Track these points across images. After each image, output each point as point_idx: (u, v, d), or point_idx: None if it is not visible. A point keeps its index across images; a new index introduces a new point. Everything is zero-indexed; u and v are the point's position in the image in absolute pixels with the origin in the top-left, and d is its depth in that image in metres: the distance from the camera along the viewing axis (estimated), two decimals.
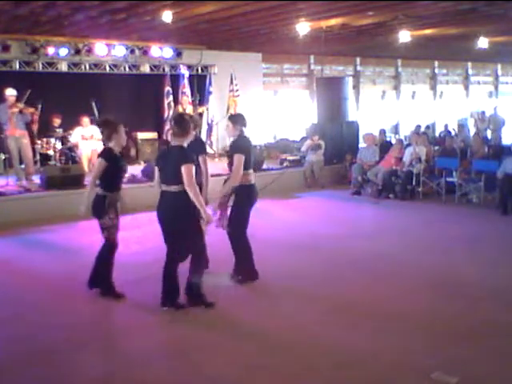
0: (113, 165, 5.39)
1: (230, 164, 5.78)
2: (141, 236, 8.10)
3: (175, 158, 5.02)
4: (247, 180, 5.78)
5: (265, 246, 7.16)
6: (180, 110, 13.59)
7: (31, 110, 10.51)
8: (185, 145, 5.13)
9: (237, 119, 5.96)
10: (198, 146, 6.12)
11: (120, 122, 5.59)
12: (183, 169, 4.90)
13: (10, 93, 10.20)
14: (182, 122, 5.16)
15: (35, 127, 11.46)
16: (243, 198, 5.77)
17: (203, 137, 14.54)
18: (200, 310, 5.23)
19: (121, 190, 5.59)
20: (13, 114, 10.08)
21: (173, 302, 5.18)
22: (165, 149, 5.61)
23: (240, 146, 5.78)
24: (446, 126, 17.51)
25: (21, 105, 10.26)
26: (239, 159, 5.65)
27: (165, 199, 5.10)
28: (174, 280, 5.17)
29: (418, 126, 15.98)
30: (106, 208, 5.34)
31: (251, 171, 5.88)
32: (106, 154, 5.46)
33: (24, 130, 10.42)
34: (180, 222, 5.04)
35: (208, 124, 14.81)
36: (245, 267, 5.93)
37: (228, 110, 14.93)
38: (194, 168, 4.98)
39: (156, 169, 5.25)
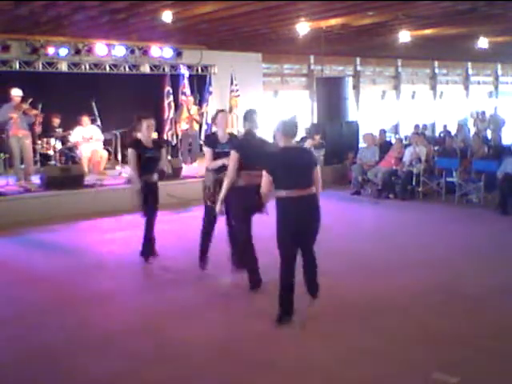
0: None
1: None
2: (141, 236, 8.08)
3: (307, 159, 4.98)
4: None
5: (264, 246, 7.16)
6: (185, 110, 13.60)
7: (35, 111, 10.51)
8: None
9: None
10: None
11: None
12: (318, 170, 4.99)
13: (16, 93, 10.19)
14: (296, 123, 5.11)
15: (38, 129, 11.50)
16: None
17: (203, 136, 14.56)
18: (201, 310, 5.25)
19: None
20: (16, 114, 10.06)
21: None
22: (281, 152, 5.05)
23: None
24: (444, 127, 17.49)
25: (25, 105, 10.26)
26: None
27: (306, 204, 4.84)
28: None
29: (417, 126, 15.99)
30: None
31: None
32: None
33: (27, 130, 10.42)
34: (319, 222, 5.04)
35: (208, 124, 14.81)
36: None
37: (231, 110, 14.94)
38: None
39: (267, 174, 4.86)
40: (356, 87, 18.72)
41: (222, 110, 6.47)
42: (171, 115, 14.02)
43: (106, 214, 9.36)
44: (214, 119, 6.46)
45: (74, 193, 9.89)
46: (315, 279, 5.14)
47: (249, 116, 5.71)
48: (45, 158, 11.80)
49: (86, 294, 5.80)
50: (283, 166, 4.84)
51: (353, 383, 3.98)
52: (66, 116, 12.08)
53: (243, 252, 5.76)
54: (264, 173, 4.86)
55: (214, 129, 6.47)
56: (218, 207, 5.62)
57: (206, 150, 6.14)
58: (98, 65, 13.30)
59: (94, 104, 11.81)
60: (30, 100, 10.38)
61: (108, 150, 12.20)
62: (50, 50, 12.35)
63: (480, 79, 23.99)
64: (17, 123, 10.14)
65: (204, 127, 14.72)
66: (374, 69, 20.33)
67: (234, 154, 5.47)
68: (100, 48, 12.82)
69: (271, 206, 5.03)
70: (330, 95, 13.94)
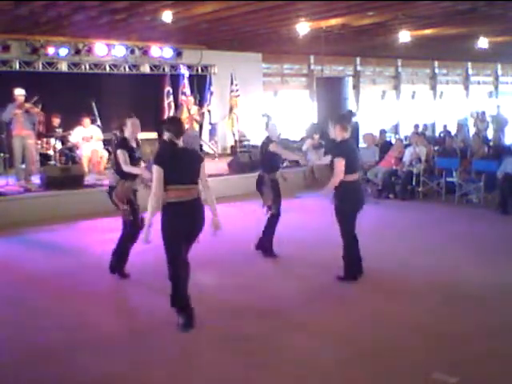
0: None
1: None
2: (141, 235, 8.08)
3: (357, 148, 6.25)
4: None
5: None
6: (185, 110, 13.61)
7: (37, 110, 10.46)
8: None
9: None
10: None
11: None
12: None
13: (19, 92, 10.14)
14: (349, 117, 6.18)
15: (42, 128, 11.48)
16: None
17: (205, 137, 14.56)
18: (201, 310, 5.24)
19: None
20: (18, 114, 10.01)
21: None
22: (347, 143, 5.89)
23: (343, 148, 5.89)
24: (444, 127, 17.49)
25: (28, 105, 10.22)
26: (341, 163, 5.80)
27: (360, 187, 6.13)
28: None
29: (416, 126, 15.98)
30: None
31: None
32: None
33: (30, 130, 10.37)
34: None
35: (211, 124, 14.83)
36: None
37: (231, 110, 14.94)
38: None
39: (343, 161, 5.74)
40: (356, 87, 18.72)
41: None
42: (171, 115, 14.01)
43: (105, 214, 9.34)
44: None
45: (74, 193, 9.89)
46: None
47: (170, 124, 4.86)
48: (45, 158, 11.78)
49: (86, 294, 5.80)
50: (350, 154, 5.79)
51: (353, 383, 3.98)
52: (66, 116, 12.06)
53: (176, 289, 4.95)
54: (339, 162, 5.69)
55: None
56: (146, 235, 4.68)
57: (122, 151, 5.88)
58: (98, 65, 13.30)
59: (93, 104, 11.80)
60: (35, 98, 10.36)
61: (108, 150, 12.19)
62: (50, 50, 12.35)
63: (480, 79, 24.00)
64: (20, 122, 10.10)
65: (208, 127, 14.74)
66: (374, 69, 20.33)
67: (156, 169, 4.61)
68: (100, 48, 12.82)
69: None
70: (330, 95, 13.91)
